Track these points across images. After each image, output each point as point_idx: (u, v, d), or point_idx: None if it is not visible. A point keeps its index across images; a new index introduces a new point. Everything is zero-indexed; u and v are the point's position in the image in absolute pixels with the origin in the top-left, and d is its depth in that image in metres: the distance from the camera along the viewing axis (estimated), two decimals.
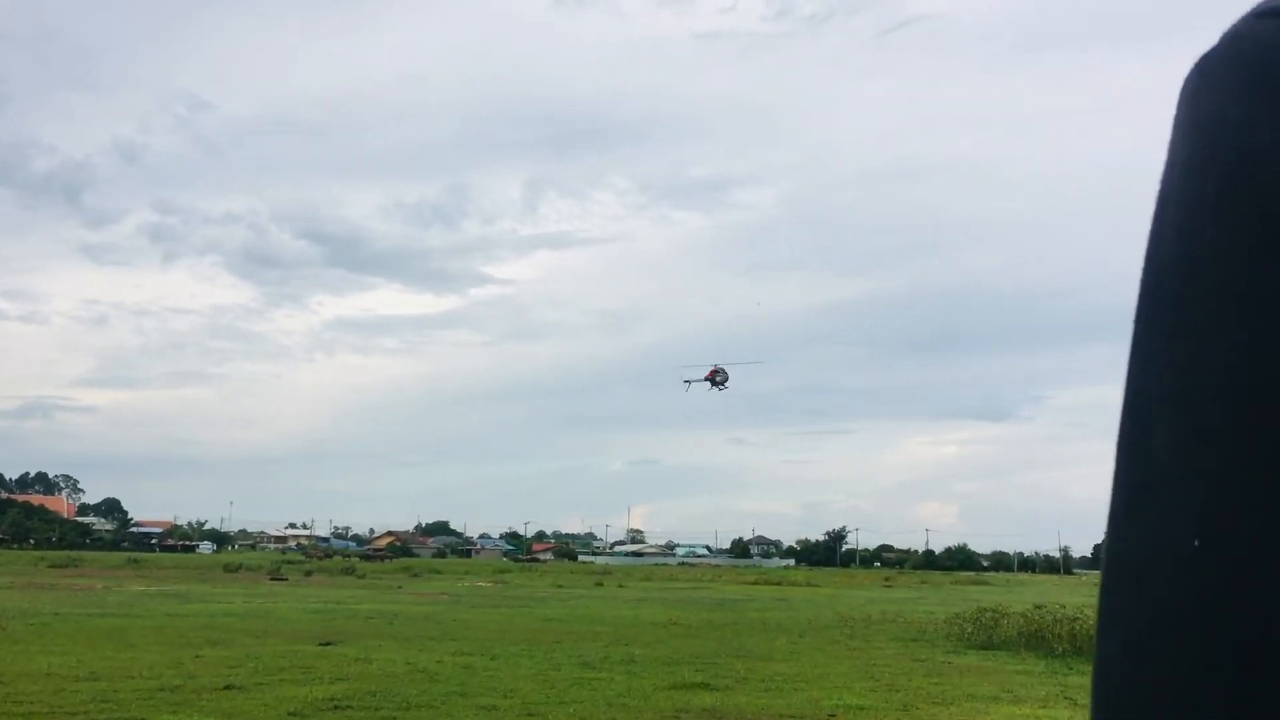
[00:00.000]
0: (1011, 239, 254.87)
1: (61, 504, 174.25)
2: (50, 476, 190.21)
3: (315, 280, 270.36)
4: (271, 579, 53.16)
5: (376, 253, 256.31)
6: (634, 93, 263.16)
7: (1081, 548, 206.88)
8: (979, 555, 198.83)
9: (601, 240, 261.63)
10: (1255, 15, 0.54)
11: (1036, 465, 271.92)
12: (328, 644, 18.55)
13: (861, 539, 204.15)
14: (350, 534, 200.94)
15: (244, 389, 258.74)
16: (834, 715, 12.30)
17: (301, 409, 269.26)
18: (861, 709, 12.70)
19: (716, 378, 51.48)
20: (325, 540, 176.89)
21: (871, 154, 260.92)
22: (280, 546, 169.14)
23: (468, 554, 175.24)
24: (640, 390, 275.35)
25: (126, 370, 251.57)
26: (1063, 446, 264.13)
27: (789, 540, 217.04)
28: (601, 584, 56.72)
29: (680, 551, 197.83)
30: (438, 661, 16.17)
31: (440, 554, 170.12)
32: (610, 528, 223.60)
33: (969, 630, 22.42)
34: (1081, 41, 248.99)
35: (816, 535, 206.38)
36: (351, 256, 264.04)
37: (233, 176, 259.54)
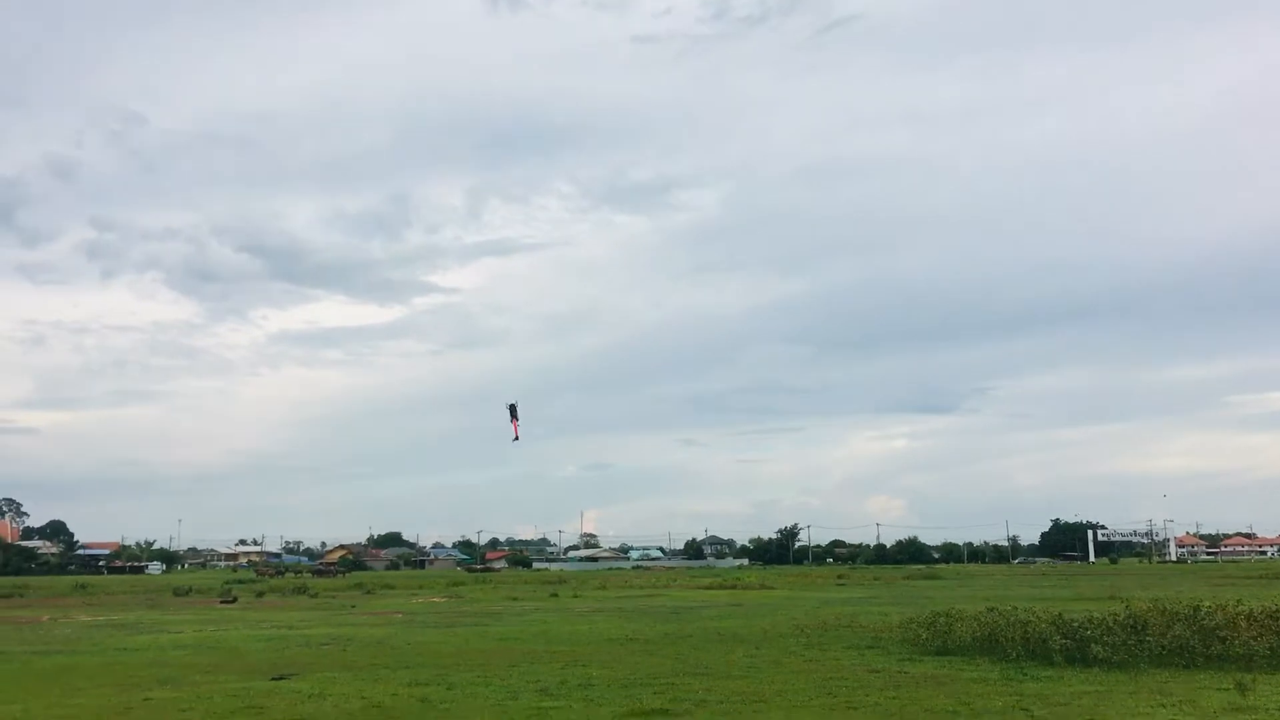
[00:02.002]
0: (950, 232, 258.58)
1: (5, 528, 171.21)
2: None
3: (258, 293, 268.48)
4: (222, 601, 52.48)
5: (319, 264, 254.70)
6: (573, 96, 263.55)
7: (1029, 536, 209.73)
8: (929, 547, 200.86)
9: (545, 245, 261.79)
10: None
11: (982, 456, 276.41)
12: (280, 678, 18.27)
13: (813, 535, 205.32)
14: (302, 548, 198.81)
15: (188, 405, 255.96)
16: None
17: (248, 423, 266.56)
18: None
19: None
20: (276, 556, 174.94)
21: (810, 152, 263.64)
22: (231, 564, 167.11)
23: (421, 565, 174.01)
24: (589, 394, 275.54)
25: (67, 390, 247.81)
26: (1007, 436, 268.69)
27: (742, 539, 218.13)
28: (556, 594, 56.53)
29: (634, 554, 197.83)
30: (393, 695, 15.97)
31: (393, 566, 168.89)
32: (564, 533, 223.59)
33: (924, 635, 22.55)
34: (1009, 39, 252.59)
35: (769, 533, 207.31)
36: (293, 269, 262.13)
37: (170, 191, 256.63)
